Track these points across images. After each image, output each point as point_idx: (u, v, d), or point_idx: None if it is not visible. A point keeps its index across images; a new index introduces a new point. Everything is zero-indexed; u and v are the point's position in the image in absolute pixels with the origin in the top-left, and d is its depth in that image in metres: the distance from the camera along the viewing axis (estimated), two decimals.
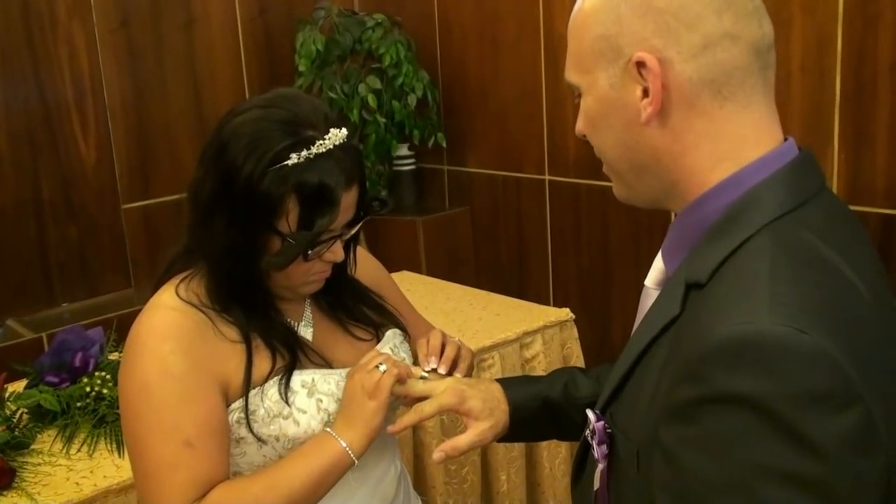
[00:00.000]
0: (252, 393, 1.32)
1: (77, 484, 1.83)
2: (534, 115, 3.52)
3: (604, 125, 0.97)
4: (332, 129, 1.26)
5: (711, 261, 0.88)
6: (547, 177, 3.67)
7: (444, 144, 3.86)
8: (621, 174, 1.00)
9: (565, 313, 2.59)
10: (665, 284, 0.98)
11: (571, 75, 1.00)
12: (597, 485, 0.97)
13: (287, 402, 1.32)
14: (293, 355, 1.36)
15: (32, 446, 1.96)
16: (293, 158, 1.23)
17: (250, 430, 1.31)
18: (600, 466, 0.97)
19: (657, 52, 0.91)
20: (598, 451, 0.96)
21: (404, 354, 1.48)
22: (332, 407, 1.35)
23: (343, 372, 1.39)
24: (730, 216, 0.90)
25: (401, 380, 1.33)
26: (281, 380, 1.33)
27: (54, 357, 2.12)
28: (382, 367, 1.30)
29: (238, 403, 1.32)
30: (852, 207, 2.81)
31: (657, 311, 0.94)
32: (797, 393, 0.75)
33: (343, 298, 1.48)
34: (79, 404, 2.04)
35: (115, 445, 1.96)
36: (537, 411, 1.34)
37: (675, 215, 1.00)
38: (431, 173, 4.11)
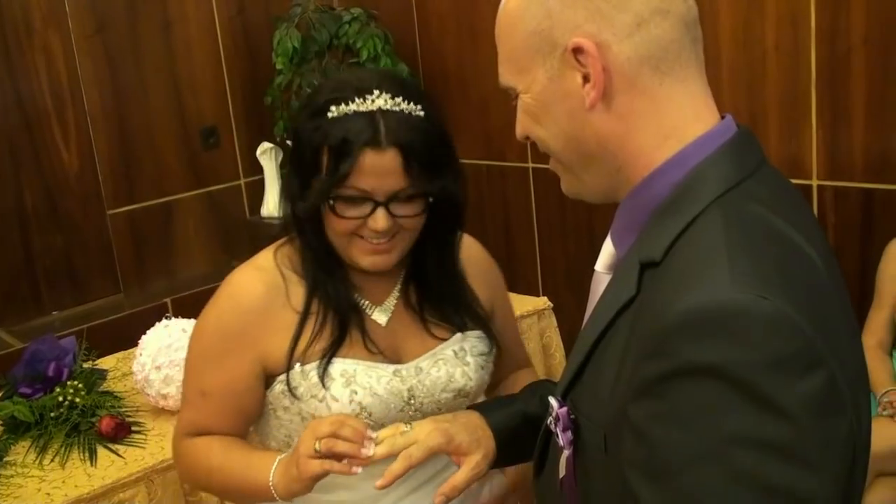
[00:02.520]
0: (297, 370, 1.37)
1: (48, 494, 1.84)
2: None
3: (547, 119, 0.97)
4: (377, 92, 1.30)
5: (664, 239, 0.89)
6: (530, 164, 3.67)
7: None
8: (570, 167, 0.99)
9: (543, 302, 2.58)
10: (617, 267, 0.98)
11: (507, 78, 0.99)
12: (562, 472, 0.97)
13: (324, 385, 1.36)
14: (342, 334, 1.39)
15: (6, 458, 1.97)
16: (332, 112, 1.29)
17: (295, 398, 1.37)
18: (566, 453, 0.96)
19: (593, 36, 0.91)
20: (562, 438, 0.95)
21: (470, 359, 1.45)
22: (367, 401, 1.36)
23: (396, 368, 1.40)
24: (677, 194, 0.91)
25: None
26: (321, 362, 1.37)
27: (27, 368, 2.12)
28: (317, 445, 1.26)
29: (283, 376, 1.38)
30: (832, 183, 2.83)
31: (612, 294, 0.94)
32: (762, 359, 0.76)
33: (436, 292, 1.46)
34: (52, 414, 2.05)
35: (87, 454, 1.97)
36: (520, 429, 1.31)
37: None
38: None
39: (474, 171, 3.86)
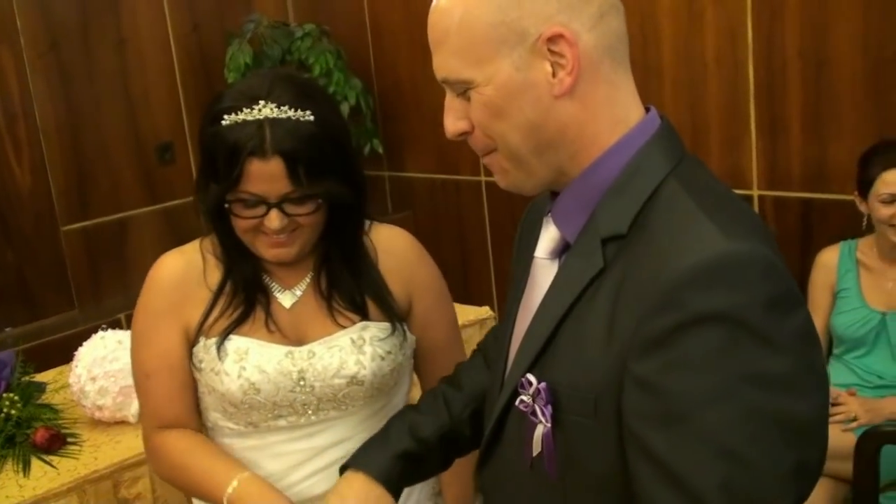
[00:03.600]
0: (201, 343, 1.48)
1: None
2: None
3: (511, 110, 0.98)
4: (263, 102, 1.36)
5: (626, 213, 0.96)
6: (483, 178, 3.70)
7: (381, 150, 3.88)
8: (522, 159, 1.01)
9: (485, 311, 2.61)
10: (573, 247, 1.01)
11: (461, 72, 0.99)
12: (537, 449, 0.99)
13: (220, 359, 1.46)
14: (245, 312, 1.48)
15: None
16: (225, 120, 1.36)
17: (199, 371, 1.48)
18: (544, 429, 0.98)
19: (564, 26, 0.95)
20: (545, 413, 0.97)
21: (368, 349, 1.49)
22: (256, 378, 1.44)
23: (290, 350, 1.46)
24: (629, 173, 0.98)
25: None
26: (220, 337, 1.47)
27: None
28: None
29: (195, 349, 1.49)
30: (772, 193, 2.87)
31: (573, 271, 0.99)
32: (761, 301, 0.85)
33: (345, 281, 1.51)
34: None
35: (21, 465, 1.98)
36: (405, 468, 1.31)
37: (563, 187, 1.03)
38: (373, 180, 4.13)
39: (428, 185, 3.89)
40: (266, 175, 1.35)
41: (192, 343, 1.50)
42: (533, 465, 1.01)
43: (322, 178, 1.37)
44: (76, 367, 2.11)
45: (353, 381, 1.47)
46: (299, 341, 1.48)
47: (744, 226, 0.92)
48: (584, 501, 0.98)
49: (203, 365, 1.47)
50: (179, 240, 1.59)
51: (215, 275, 1.50)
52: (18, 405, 2.08)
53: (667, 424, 0.86)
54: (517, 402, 1.01)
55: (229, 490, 1.38)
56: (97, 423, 2.13)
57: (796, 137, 2.84)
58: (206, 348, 1.47)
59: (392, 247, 1.57)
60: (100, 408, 2.08)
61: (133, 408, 2.09)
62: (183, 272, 1.51)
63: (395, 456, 1.28)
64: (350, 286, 1.51)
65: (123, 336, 2.14)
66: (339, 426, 1.49)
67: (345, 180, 1.41)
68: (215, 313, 1.48)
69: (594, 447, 0.95)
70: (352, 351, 1.48)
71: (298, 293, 1.51)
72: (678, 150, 1.02)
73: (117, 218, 3.73)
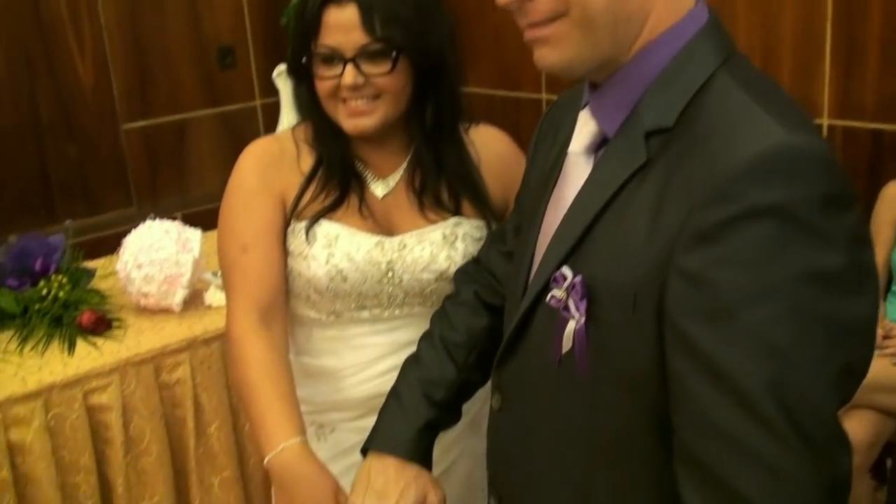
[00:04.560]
0: (292, 226, 1.47)
1: (23, 379, 1.90)
2: None
3: None
4: None
5: (674, 106, 0.93)
6: (544, 95, 3.63)
7: None
8: (595, 27, 0.94)
9: None
10: (613, 141, 0.98)
11: None
12: (567, 346, 0.96)
13: (308, 242, 1.45)
14: (338, 198, 1.47)
15: None
16: None
17: (287, 254, 1.46)
18: (577, 325, 0.95)
19: None
20: (579, 308, 0.95)
21: (460, 245, 1.48)
22: (344, 265, 1.43)
23: (380, 239, 1.45)
24: (677, 65, 0.95)
25: None
26: (310, 221, 1.46)
27: (15, 262, 2.17)
28: None
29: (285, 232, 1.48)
30: (842, 122, 2.77)
31: (614, 165, 0.96)
32: (818, 196, 0.82)
33: (441, 175, 1.51)
34: (36, 307, 2.10)
35: (66, 345, 2.03)
36: (429, 439, 1.28)
37: (607, 78, 0.99)
38: None
39: (487, 102, 3.83)
40: (342, 24, 1.35)
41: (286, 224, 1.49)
42: (561, 362, 0.98)
43: (398, 29, 1.36)
44: (123, 254, 2.14)
45: (442, 276, 1.47)
46: (390, 232, 1.47)
47: (801, 119, 0.88)
48: (613, 400, 0.95)
49: (292, 248, 1.46)
50: (238, 145, 1.58)
51: (308, 160, 1.49)
52: (67, 287, 2.13)
53: (713, 320, 0.83)
54: (548, 298, 0.99)
55: (272, 454, 1.31)
56: (142, 310, 2.17)
57: (873, 66, 2.71)
58: (295, 232, 1.47)
59: (493, 146, 1.56)
60: (145, 295, 2.11)
61: (178, 296, 2.13)
62: (278, 153, 1.50)
63: (419, 430, 1.26)
64: (445, 180, 1.50)
65: (170, 226, 2.17)
66: (422, 323, 1.43)
67: (424, 37, 1.39)
68: (307, 197, 1.47)
69: (630, 344, 0.92)
70: (443, 246, 1.47)
71: (392, 183, 1.50)
72: (728, 43, 0.98)
73: (177, 119, 3.74)
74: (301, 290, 1.47)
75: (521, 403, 1.09)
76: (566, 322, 0.96)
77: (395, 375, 1.33)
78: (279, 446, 1.31)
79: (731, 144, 0.85)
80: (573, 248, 0.98)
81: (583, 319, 0.95)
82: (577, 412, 0.99)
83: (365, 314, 1.48)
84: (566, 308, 0.96)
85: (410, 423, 1.26)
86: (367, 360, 1.50)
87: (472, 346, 1.31)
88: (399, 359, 1.38)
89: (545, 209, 1.09)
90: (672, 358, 0.87)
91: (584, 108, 1.04)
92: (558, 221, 1.02)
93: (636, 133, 0.94)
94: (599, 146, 1.01)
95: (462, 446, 1.55)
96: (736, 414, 0.82)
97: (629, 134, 0.95)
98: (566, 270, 0.97)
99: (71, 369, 1.94)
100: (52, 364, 1.96)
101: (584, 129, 1.03)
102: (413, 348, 1.37)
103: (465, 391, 1.33)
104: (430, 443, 1.28)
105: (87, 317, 2.07)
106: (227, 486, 2.11)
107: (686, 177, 0.88)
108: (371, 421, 1.30)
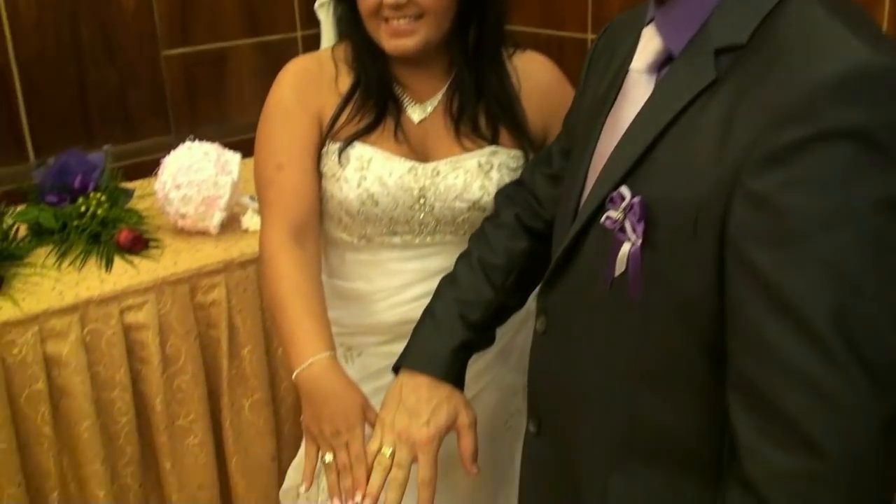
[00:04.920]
0: (326, 147, 1.46)
1: (61, 293, 1.91)
2: None
3: None
4: None
5: (747, 22, 0.89)
6: (589, 35, 3.56)
7: None
8: None
9: None
10: (679, 59, 0.96)
11: None
12: (621, 269, 0.94)
13: (340, 164, 1.44)
14: (374, 121, 1.46)
15: (27, 259, 2.04)
16: None
17: (321, 175, 1.45)
18: (632, 247, 0.93)
19: None
20: (636, 229, 0.92)
21: (495, 174, 1.46)
22: (375, 189, 1.42)
23: (413, 165, 1.43)
24: None
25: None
26: (344, 142, 1.44)
27: (55, 178, 2.19)
28: (328, 457, 1.26)
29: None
30: None
31: (679, 83, 0.93)
32: None
33: (480, 102, 1.48)
34: (75, 223, 2.11)
35: (104, 262, 2.04)
36: (463, 360, 1.28)
37: None
38: None
39: (531, 40, 3.76)
40: None
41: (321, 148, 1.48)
42: (613, 286, 0.96)
43: None
44: (161, 174, 2.14)
45: (475, 206, 1.45)
46: (425, 158, 1.45)
47: (889, 42, 0.83)
48: (665, 326, 0.93)
49: (325, 169, 1.45)
50: (276, 76, 1.55)
51: (346, 80, 1.48)
52: (105, 206, 2.13)
53: (780, 245, 0.80)
54: (602, 219, 0.96)
55: (301, 367, 1.30)
56: (179, 231, 2.17)
57: None
58: (329, 153, 1.45)
59: (536, 74, 1.53)
60: (182, 216, 2.11)
61: (216, 219, 2.12)
62: (317, 71, 1.48)
63: (454, 349, 1.25)
64: (484, 107, 1.47)
65: (210, 148, 2.16)
66: (453, 251, 1.42)
67: None
68: (343, 118, 1.46)
69: (687, 268, 0.89)
70: (478, 175, 1.44)
71: (429, 109, 1.48)
72: None
73: (217, 47, 3.71)
74: (334, 212, 1.46)
75: (567, 327, 1.08)
76: (620, 244, 0.94)
77: (424, 302, 1.33)
78: (308, 360, 1.30)
79: (810, 62, 0.81)
80: (632, 167, 0.95)
81: (639, 242, 0.92)
82: (627, 337, 0.97)
83: (396, 240, 1.46)
84: (621, 230, 0.94)
85: (445, 341, 1.26)
86: (397, 286, 1.49)
87: (511, 269, 1.30)
88: (430, 286, 1.38)
89: (601, 129, 1.07)
90: (732, 284, 0.84)
91: (648, 24, 1.01)
92: (615, 142, 1.00)
93: (705, 50, 0.91)
94: (663, 64, 0.99)
95: (490, 376, 1.55)
96: (797, 342, 0.80)
97: (697, 51, 0.92)
98: (624, 190, 0.94)
99: (108, 286, 1.94)
100: (90, 280, 1.97)
101: (648, 46, 1.00)
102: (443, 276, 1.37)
103: (500, 314, 1.33)
104: (464, 364, 1.28)
105: (124, 235, 2.07)
106: (258, 409, 2.12)
107: (758, 95, 0.84)
108: (399, 347, 1.30)
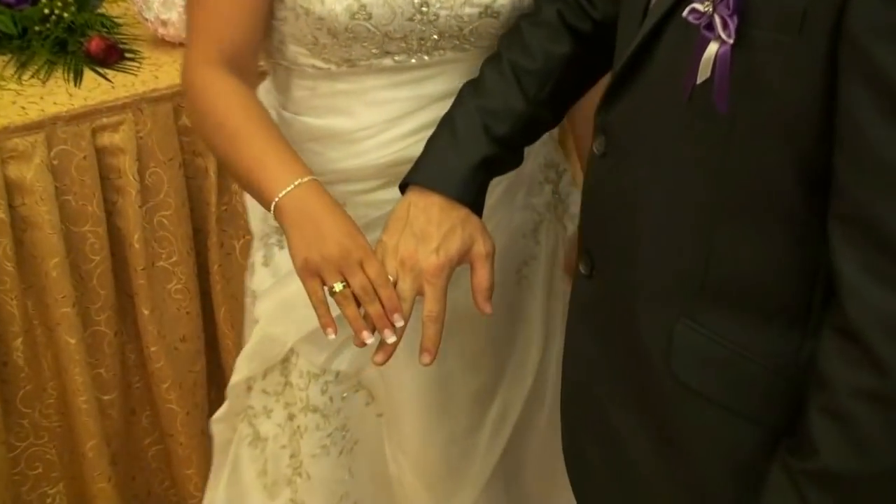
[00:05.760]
0: None
1: (23, 108, 1.69)
2: None
3: None
4: None
5: None
6: None
7: None
8: None
9: None
10: None
11: None
12: (704, 75, 0.83)
13: None
14: None
15: None
16: None
17: None
18: (721, 47, 0.81)
19: None
20: (728, 25, 0.80)
21: None
22: None
23: None
24: None
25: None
26: None
27: None
28: (337, 287, 1.08)
29: None
30: None
31: None
32: None
33: None
34: (37, 28, 1.85)
35: (72, 75, 1.79)
36: (483, 180, 1.14)
37: None
38: None
39: None
40: None
41: None
42: (693, 97, 0.85)
43: None
44: None
45: (488, 11, 1.18)
46: None
47: None
48: (754, 145, 0.83)
49: None
50: None
51: None
52: (72, 8, 1.85)
53: None
54: (685, 12, 0.83)
55: (283, 192, 1.11)
56: (160, 42, 1.90)
57: None
58: None
59: None
60: (164, 23, 1.84)
61: None
62: None
63: (474, 166, 1.11)
64: None
65: None
66: (453, 73, 1.22)
67: None
68: None
69: (789, 74, 0.79)
70: None
71: None
72: None
73: None
74: (305, 34, 1.19)
75: (631, 148, 0.96)
76: (706, 44, 0.82)
77: (421, 137, 1.17)
78: (291, 184, 1.11)
79: None
80: None
81: (731, 40, 0.80)
82: (706, 159, 0.87)
83: (387, 62, 1.20)
84: (709, 26, 0.81)
85: (464, 156, 1.11)
86: (387, 119, 1.24)
87: (548, 77, 1.13)
88: (427, 117, 1.21)
89: None
90: (847, 92, 0.75)
91: None
92: None
93: None
94: None
95: (496, 219, 1.34)
96: None
97: None
98: None
99: (78, 101, 1.71)
100: (57, 94, 1.73)
101: None
102: (442, 104, 1.18)
103: (531, 130, 1.18)
104: (485, 184, 1.14)
105: (95, 44, 1.81)
106: (250, 252, 1.91)
107: None
108: (394, 193, 1.15)
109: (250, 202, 1.38)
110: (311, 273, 1.09)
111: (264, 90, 1.33)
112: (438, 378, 1.32)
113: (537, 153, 1.38)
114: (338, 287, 1.07)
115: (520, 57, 1.14)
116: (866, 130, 0.74)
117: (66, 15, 1.83)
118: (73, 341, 1.72)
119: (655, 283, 0.94)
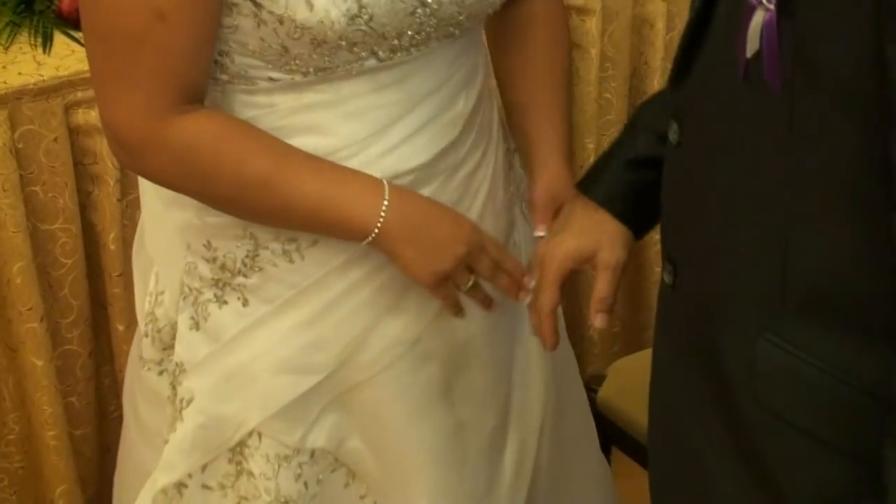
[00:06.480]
0: None
1: None
2: None
3: None
4: None
5: None
6: None
7: None
8: None
9: None
10: None
11: None
12: (754, 47, 0.82)
13: None
14: None
15: None
16: None
17: None
18: (766, 16, 0.80)
19: None
20: None
21: None
22: None
23: None
24: None
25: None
26: None
27: None
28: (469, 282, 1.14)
29: None
30: None
31: None
32: None
33: None
34: None
35: (40, 40, 1.64)
36: (638, 180, 1.16)
37: None
38: None
39: None
40: None
41: None
42: (748, 73, 0.84)
43: None
44: None
45: None
46: None
47: None
48: (817, 122, 0.80)
49: None
50: None
51: None
52: None
53: None
54: None
55: (378, 220, 1.06)
56: None
57: None
58: None
59: None
60: None
61: None
62: None
63: (622, 166, 1.17)
64: None
65: None
66: (438, 63, 1.13)
67: None
68: None
69: (842, 41, 0.76)
70: None
71: None
72: None
73: None
74: (269, 43, 1.06)
75: (704, 135, 0.94)
76: (752, 12, 0.82)
77: (413, 145, 1.13)
78: (381, 204, 1.08)
79: None
80: None
81: (771, 5, 0.80)
82: (771, 143, 0.84)
83: (371, 62, 1.09)
84: None
85: (610, 162, 1.19)
86: (372, 132, 1.13)
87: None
88: (416, 120, 1.12)
89: None
90: (892, 48, 0.72)
91: None
92: None
93: None
94: None
95: (485, 228, 1.29)
96: None
97: None
98: None
99: (48, 70, 1.56)
100: (22, 64, 1.58)
101: None
102: (430, 102, 1.13)
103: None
104: (634, 186, 1.18)
105: (68, 4, 1.65)
106: (142, 317, 1.75)
107: None
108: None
109: (136, 260, 1.27)
110: (439, 281, 1.11)
111: None
112: (452, 429, 1.26)
113: (498, 143, 1.31)
114: (470, 283, 1.12)
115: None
116: None
117: None
118: (40, 363, 1.60)
119: (738, 296, 0.91)
